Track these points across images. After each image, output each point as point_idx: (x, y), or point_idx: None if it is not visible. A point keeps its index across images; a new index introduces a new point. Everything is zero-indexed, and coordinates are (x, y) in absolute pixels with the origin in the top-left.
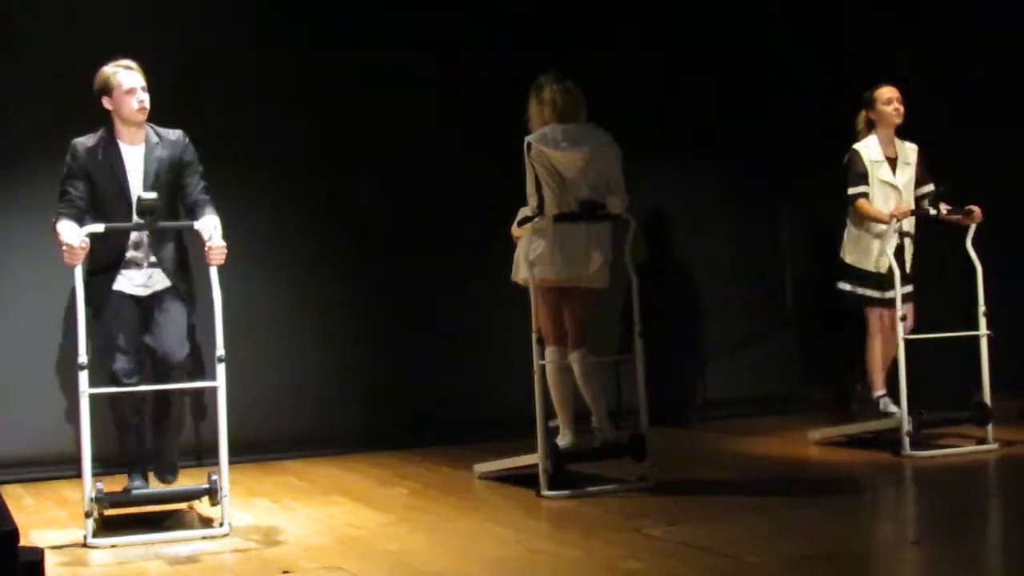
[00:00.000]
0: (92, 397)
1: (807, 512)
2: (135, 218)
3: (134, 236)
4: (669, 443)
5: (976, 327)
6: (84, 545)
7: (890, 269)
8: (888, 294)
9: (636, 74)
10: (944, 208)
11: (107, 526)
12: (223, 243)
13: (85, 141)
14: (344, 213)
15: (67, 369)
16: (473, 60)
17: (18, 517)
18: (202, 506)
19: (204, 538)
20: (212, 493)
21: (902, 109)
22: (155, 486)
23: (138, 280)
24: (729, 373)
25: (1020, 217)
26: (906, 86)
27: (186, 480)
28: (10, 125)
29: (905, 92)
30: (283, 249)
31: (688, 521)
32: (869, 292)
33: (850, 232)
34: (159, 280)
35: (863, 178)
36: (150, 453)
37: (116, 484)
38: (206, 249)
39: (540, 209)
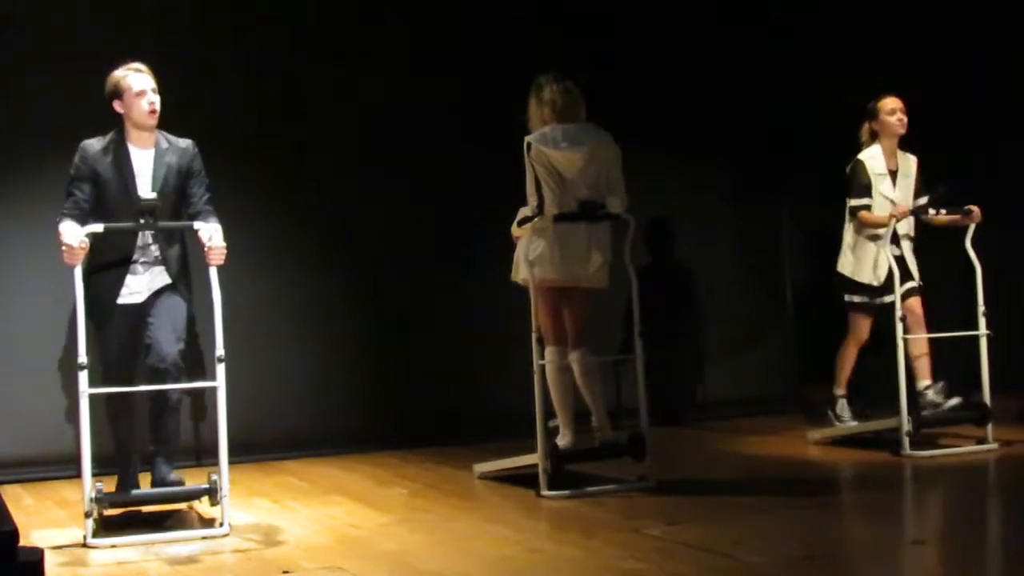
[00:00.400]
0: (92, 397)
1: (807, 512)
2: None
3: (140, 239)
4: (669, 443)
5: (976, 327)
6: (84, 545)
7: (888, 274)
8: (887, 298)
9: (636, 74)
10: (942, 210)
11: (107, 526)
12: (223, 244)
13: (94, 143)
14: (344, 214)
15: (67, 369)
16: (473, 60)
17: (18, 517)
18: (202, 506)
19: (204, 538)
20: (212, 493)
21: (905, 120)
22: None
23: (141, 285)
24: (729, 373)
25: (1020, 217)
26: (906, 86)
27: (186, 480)
28: (13, 128)
29: (908, 96)
30: (283, 250)
31: (688, 521)
32: (868, 299)
33: (849, 242)
34: (161, 280)
35: (866, 190)
36: (139, 452)
37: (115, 485)
38: (206, 250)
39: (540, 209)
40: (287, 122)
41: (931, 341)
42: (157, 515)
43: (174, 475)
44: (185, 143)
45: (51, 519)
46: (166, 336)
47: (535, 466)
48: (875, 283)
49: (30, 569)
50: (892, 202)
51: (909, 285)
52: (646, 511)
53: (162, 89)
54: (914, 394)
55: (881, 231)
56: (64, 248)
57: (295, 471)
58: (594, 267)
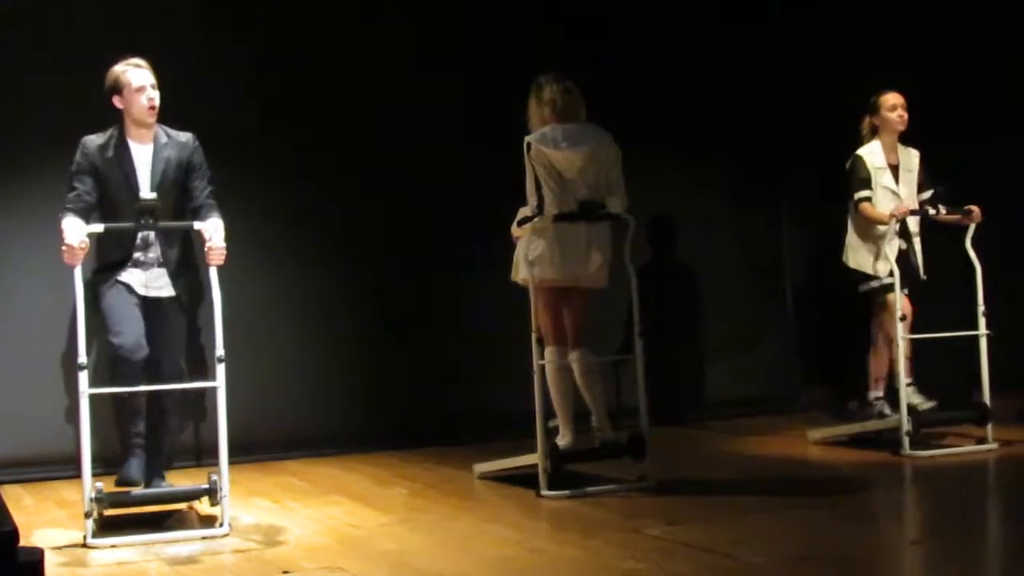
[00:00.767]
0: (92, 397)
1: (807, 512)
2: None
3: (141, 237)
4: (669, 443)
5: (976, 327)
6: (84, 545)
7: (890, 273)
8: (888, 293)
9: (636, 74)
10: (943, 208)
11: (107, 526)
12: (223, 244)
13: (95, 139)
14: (344, 214)
15: (67, 369)
16: (473, 60)
17: (18, 517)
18: (202, 506)
19: (204, 538)
20: (212, 493)
21: (906, 115)
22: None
23: (142, 279)
24: (729, 373)
25: (1020, 217)
26: (906, 85)
27: (186, 480)
28: (12, 126)
29: (908, 95)
30: (283, 249)
31: (688, 521)
32: (885, 281)
33: (852, 237)
34: (163, 285)
35: (866, 183)
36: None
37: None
38: (206, 249)
39: (540, 209)
40: (287, 122)
41: (925, 343)
42: (157, 515)
43: (137, 476)
44: (185, 136)
45: (51, 519)
46: (168, 359)
47: (535, 466)
48: (880, 275)
49: (30, 569)
50: (895, 194)
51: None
52: (646, 511)
53: (163, 88)
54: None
55: (882, 228)
56: (64, 248)
57: (295, 471)
58: (594, 267)
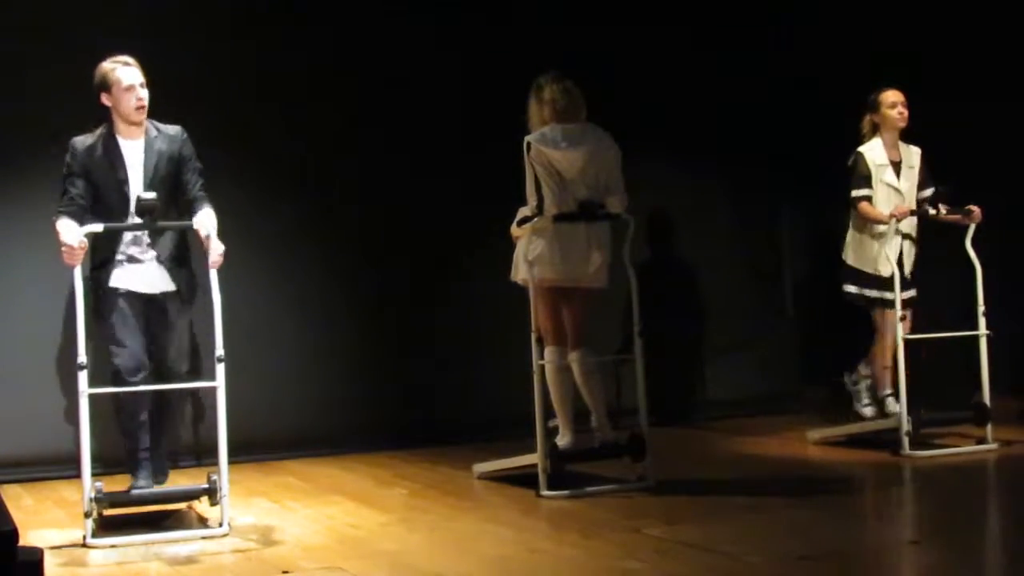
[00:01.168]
0: (92, 397)
1: (807, 512)
2: (132, 215)
3: (137, 234)
4: (669, 443)
5: (976, 327)
6: (83, 545)
7: (881, 283)
8: (887, 295)
9: (637, 73)
10: (943, 208)
11: (106, 526)
12: (221, 247)
13: (84, 139)
14: (343, 213)
15: (67, 369)
16: (473, 60)
17: (18, 517)
18: (201, 506)
19: (203, 538)
20: (211, 493)
21: (906, 113)
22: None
23: (137, 275)
24: (729, 373)
25: (1020, 217)
26: (906, 85)
27: (186, 480)
28: (10, 125)
29: (908, 94)
30: (283, 249)
31: (687, 521)
32: (872, 293)
33: (852, 235)
34: (160, 280)
35: (866, 181)
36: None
37: (116, 484)
38: (207, 251)
39: (539, 209)
40: (288, 122)
41: (924, 343)
42: (157, 515)
43: (147, 484)
44: (174, 129)
45: (51, 519)
46: (168, 350)
47: (535, 466)
48: (880, 274)
49: (30, 569)
50: (897, 190)
51: (910, 293)
52: (646, 511)
53: (160, 87)
54: (914, 394)
55: (882, 228)
56: (64, 249)
57: (295, 471)
58: (594, 267)
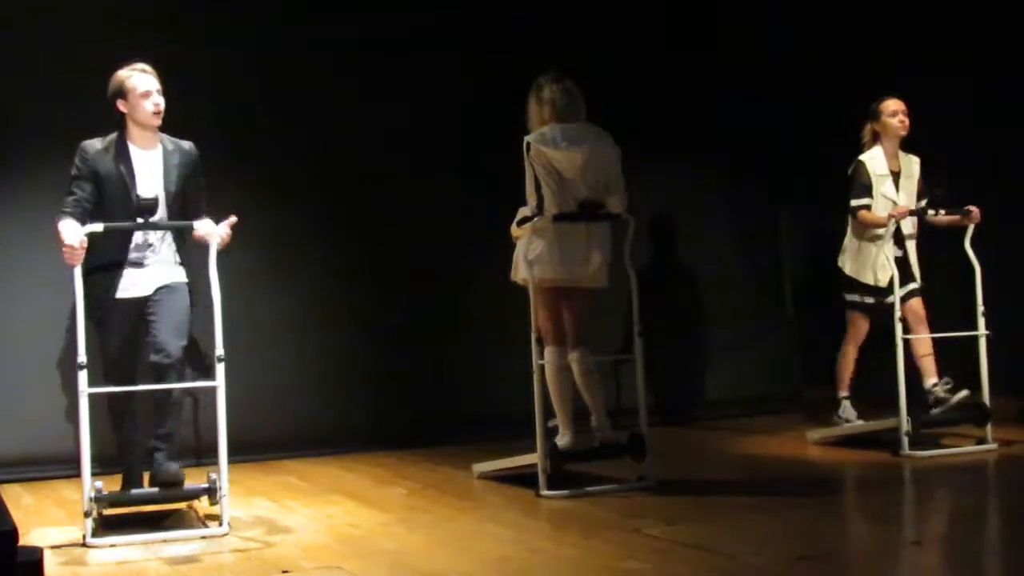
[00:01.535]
0: (92, 397)
1: (807, 512)
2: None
3: (138, 237)
4: (669, 443)
5: (975, 327)
6: (83, 545)
7: (890, 280)
8: (888, 299)
9: (636, 74)
10: (942, 210)
11: (106, 526)
12: (224, 228)
13: (95, 143)
14: (344, 214)
15: (67, 369)
16: (473, 61)
17: (17, 517)
18: (201, 506)
19: (203, 538)
20: (211, 493)
21: (907, 121)
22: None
23: (139, 279)
24: (729, 373)
25: (1020, 217)
26: (907, 85)
27: (186, 479)
28: (12, 127)
29: (908, 98)
30: (283, 250)
31: (688, 521)
32: (870, 300)
33: (850, 241)
34: (161, 277)
35: (867, 190)
36: (142, 455)
37: (116, 484)
38: (205, 244)
39: (539, 209)
40: (288, 122)
41: (934, 340)
42: (156, 515)
43: (175, 468)
44: (188, 145)
45: (51, 519)
46: (168, 332)
47: (535, 466)
48: (876, 284)
49: (30, 569)
50: (895, 203)
51: (911, 287)
52: (646, 511)
53: (163, 91)
54: (921, 393)
55: (881, 231)
56: (65, 249)
57: (295, 471)
58: (594, 267)
